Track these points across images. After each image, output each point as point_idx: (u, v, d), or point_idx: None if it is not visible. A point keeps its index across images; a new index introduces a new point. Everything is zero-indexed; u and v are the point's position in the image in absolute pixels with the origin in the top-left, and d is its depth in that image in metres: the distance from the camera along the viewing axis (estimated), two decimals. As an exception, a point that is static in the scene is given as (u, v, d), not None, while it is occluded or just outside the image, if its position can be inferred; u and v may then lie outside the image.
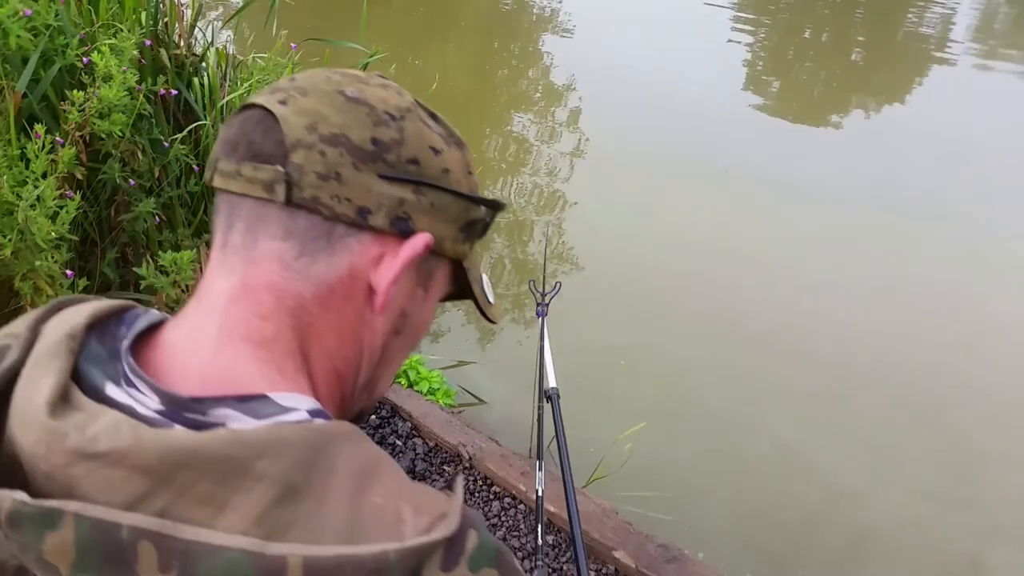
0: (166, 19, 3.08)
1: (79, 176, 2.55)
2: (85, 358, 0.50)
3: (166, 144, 2.86)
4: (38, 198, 2.29)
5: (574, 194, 5.31)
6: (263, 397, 0.51)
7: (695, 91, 7.29)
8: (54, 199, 2.33)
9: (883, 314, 4.31)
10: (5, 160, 2.37)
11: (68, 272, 2.41)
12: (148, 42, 2.80)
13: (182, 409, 0.48)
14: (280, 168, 0.54)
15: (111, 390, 0.49)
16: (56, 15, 2.65)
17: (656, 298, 4.25)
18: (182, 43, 3.12)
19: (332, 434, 0.49)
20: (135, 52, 2.69)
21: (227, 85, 3.07)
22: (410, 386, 2.72)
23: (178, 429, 0.46)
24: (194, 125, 2.90)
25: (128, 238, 2.86)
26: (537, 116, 6.64)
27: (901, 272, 4.74)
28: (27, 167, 2.35)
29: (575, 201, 5.23)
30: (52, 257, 2.36)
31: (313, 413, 0.52)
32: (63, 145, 2.46)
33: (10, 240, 2.27)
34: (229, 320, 0.54)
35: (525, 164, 5.75)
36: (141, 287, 2.72)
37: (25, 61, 2.58)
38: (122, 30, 2.78)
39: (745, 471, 3.29)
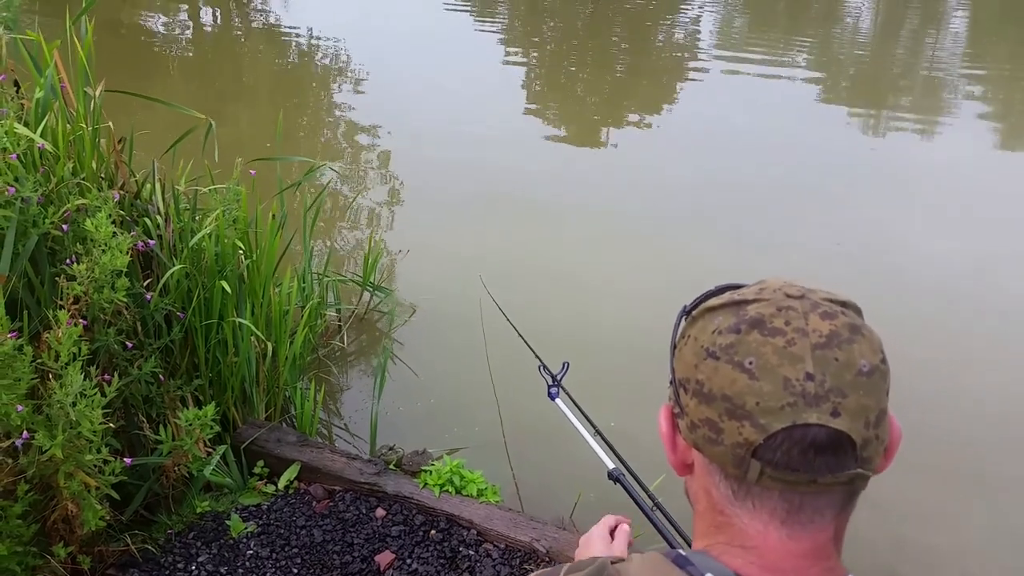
0: (105, 163, 2.92)
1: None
2: None
3: (147, 297, 2.73)
4: (82, 392, 2.15)
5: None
6: None
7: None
8: (95, 386, 2.20)
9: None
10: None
11: (127, 460, 2.27)
12: (116, 196, 2.66)
13: None
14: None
15: None
16: (16, 180, 2.46)
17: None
18: (126, 185, 2.96)
19: None
20: (117, 210, 2.56)
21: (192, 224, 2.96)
22: (457, 492, 2.77)
23: None
24: (171, 272, 2.78)
25: (120, 403, 2.69)
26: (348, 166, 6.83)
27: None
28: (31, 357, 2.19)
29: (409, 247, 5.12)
30: (99, 450, 2.22)
31: None
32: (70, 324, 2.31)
33: (56, 439, 2.11)
34: None
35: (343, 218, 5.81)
36: (160, 451, 2.59)
37: None
38: (89, 187, 2.62)
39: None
